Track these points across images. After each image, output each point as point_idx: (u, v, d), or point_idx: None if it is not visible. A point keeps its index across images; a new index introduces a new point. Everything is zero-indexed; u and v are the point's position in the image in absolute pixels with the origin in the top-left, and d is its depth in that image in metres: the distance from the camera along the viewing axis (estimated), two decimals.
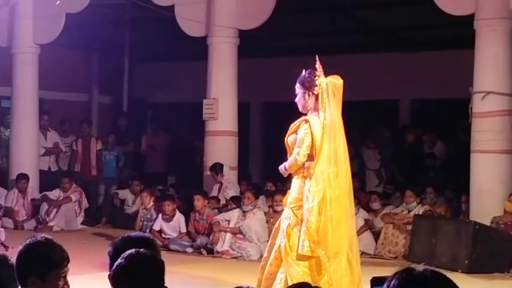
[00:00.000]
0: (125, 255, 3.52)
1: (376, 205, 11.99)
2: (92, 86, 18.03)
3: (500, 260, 9.80)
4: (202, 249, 11.20)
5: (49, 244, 3.71)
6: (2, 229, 11.18)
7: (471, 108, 10.81)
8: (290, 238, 6.85)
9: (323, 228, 6.75)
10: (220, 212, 11.62)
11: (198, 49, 13.19)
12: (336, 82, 6.96)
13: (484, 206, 10.66)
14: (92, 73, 18.04)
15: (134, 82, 17.73)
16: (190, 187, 13.76)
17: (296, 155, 6.87)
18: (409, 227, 10.94)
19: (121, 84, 17.32)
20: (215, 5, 12.57)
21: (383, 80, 15.28)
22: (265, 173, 15.74)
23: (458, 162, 12.57)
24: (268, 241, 7.70)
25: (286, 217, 6.96)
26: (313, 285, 3.30)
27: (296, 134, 6.97)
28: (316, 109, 6.94)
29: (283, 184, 11.85)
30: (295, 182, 7.01)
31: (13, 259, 3.87)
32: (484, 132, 10.66)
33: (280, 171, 7.16)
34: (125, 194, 14.09)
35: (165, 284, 3.55)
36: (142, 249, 3.57)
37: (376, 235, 11.38)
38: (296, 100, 7.08)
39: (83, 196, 13.87)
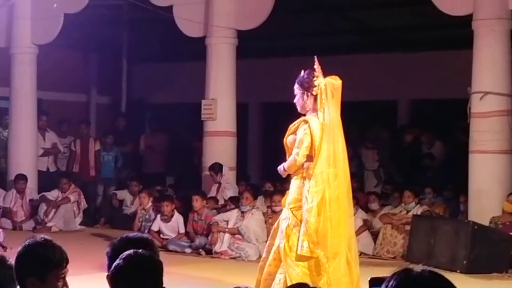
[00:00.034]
0: (124, 256, 3.51)
1: (374, 205, 11.99)
2: (90, 86, 18.03)
3: (498, 260, 9.80)
4: (200, 250, 11.20)
5: (48, 245, 3.70)
6: (0, 230, 11.16)
7: (470, 108, 10.82)
8: (290, 239, 6.85)
9: (322, 229, 6.75)
10: (218, 213, 11.62)
11: (197, 50, 13.19)
12: (334, 82, 6.96)
13: (482, 206, 10.67)
14: (90, 73, 18.03)
15: (132, 83, 17.73)
16: (188, 187, 13.75)
17: (296, 155, 6.87)
18: (408, 228, 10.94)
19: (120, 84, 17.32)
20: (213, 6, 12.57)
21: (382, 80, 15.29)
22: (263, 173, 15.74)
23: (457, 162, 12.58)
24: (266, 241, 7.69)
25: (285, 218, 6.96)
26: (311, 285, 3.30)
27: (295, 134, 6.96)
28: (315, 109, 6.94)
29: (281, 184, 11.86)
30: (294, 183, 7.00)
31: (11, 259, 3.87)
32: (483, 132, 10.67)
33: (279, 172, 7.16)
34: (123, 194, 14.09)
35: (164, 285, 3.55)
36: (140, 250, 3.57)
37: (375, 235, 11.38)
38: (295, 100, 7.08)
39: (82, 196, 13.86)
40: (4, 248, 10.35)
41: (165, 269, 3.57)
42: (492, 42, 10.66)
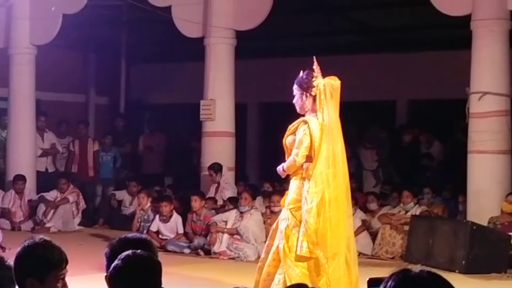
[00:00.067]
0: (122, 257, 3.51)
1: (373, 205, 12.00)
2: (89, 87, 18.02)
3: (497, 261, 9.81)
4: (199, 250, 11.20)
5: (48, 246, 3.70)
6: None
7: (468, 108, 10.82)
8: (289, 239, 6.85)
9: (322, 229, 6.76)
10: (217, 213, 11.61)
11: (195, 50, 13.19)
12: (333, 83, 6.96)
13: (481, 207, 10.67)
14: (89, 74, 18.03)
15: (131, 83, 17.73)
16: (187, 188, 13.75)
17: (295, 156, 6.86)
18: (406, 228, 10.94)
19: (118, 85, 17.32)
20: (212, 6, 12.57)
21: (380, 80, 15.29)
22: (262, 174, 15.74)
23: (455, 162, 12.58)
24: (265, 242, 7.69)
25: (284, 218, 6.95)
26: (310, 286, 3.30)
27: (294, 135, 6.96)
28: (314, 110, 6.94)
29: (280, 184, 11.87)
30: (293, 183, 7.00)
31: (9, 260, 3.86)
32: (481, 133, 10.68)
33: (278, 172, 7.16)
34: (122, 195, 14.08)
35: (162, 285, 3.55)
36: (139, 250, 3.57)
37: (374, 235, 11.38)
38: (294, 101, 7.08)
39: (81, 197, 13.86)
40: (3, 248, 10.34)
41: (163, 269, 3.57)
42: (491, 42, 10.66)
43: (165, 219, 11.78)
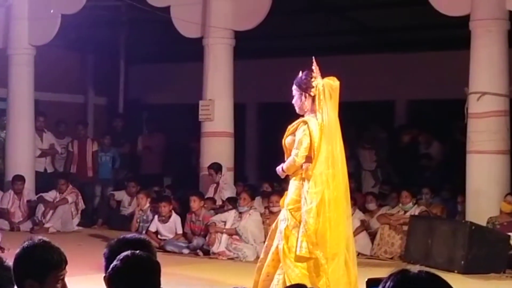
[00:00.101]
0: (121, 257, 3.51)
1: (372, 205, 12.00)
2: (87, 87, 18.02)
3: (496, 261, 9.81)
4: (198, 250, 11.20)
5: (47, 247, 3.70)
6: None
7: (467, 108, 10.83)
8: (289, 240, 6.85)
9: (321, 230, 6.76)
10: (216, 213, 11.61)
11: (194, 50, 13.19)
12: (332, 83, 6.96)
13: (480, 207, 10.68)
14: (87, 74, 18.03)
15: (130, 83, 17.72)
16: (186, 188, 13.75)
17: (295, 156, 6.86)
18: (405, 228, 10.94)
19: (117, 85, 17.31)
20: (210, 6, 12.57)
21: (379, 80, 15.29)
22: (261, 174, 15.74)
23: (454, 162, 12.58)
24: (264, 242, 7.69)
25: (283, 219, 6.95)
26: (309, 286, 3.31)
27: (294, 135, 6.96)
28: (313, 110, 6.94)
29: (279, 185, 11.87)
30: (293, 184, 7.00)
31: (8, 260, 3.86)
32: (480, 133, 10.68)
33: (278, 173, 7.15)
34: (121, 195, 14.08)
35: (161, 286, 3.55)
36: (137, 251, 3.57)
37: (372, 236, 11.38)
38: (293, 101, 7.08)
39: (79, 197, 13.86)
40: (2, 249, 10.33)
41: (162, 270, 3.57)
42: (489, 42, 10.67)
43: (164, 220, 11.78)
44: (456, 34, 12.04)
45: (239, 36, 12.72)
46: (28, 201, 13.78)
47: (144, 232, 11.54)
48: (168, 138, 16.23)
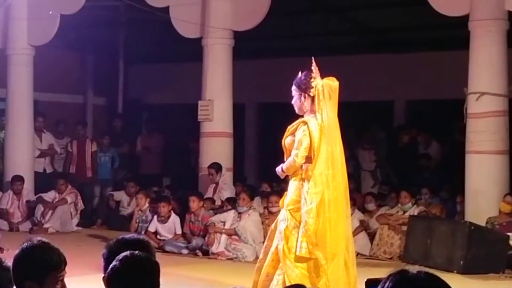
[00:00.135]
0: (120, 257, 3.51)
1: (371, 206, 12.00)
2: (87, 87, 18.01)
3: (495, 261, 9.81)
4: (197, 251, 11.20)
5: (46, 248, 3.69)
6: None
7: (466, 108, 10.83)
8: (288, 240, 6.85)
9: (321, 230, 6.76)
10: (215, 214, 11.61)
11: (193, 51, 13.19)
12: (332, 84, 6.97)
13: (479, 207, 10.68)
14: (87, 74, 18.02)
15: (129, 84, 17.72)
16: (185, 188, 13.75)
17: (295, 156, 6.86)
18: (404, 228, 10.94)
19: (116, 85, 17.31)
20: (210, 7, 12.56)
21: (378, 81, 15.29)
22: (260, 174, 15.75)
23: (453, 162, 12.58)
24: (263, 242, 7.70)
25: (283, 219, 6.95)
26: (308, 286, 3.31)
27: (294, 136, 6.96)
28: (312, 111, 6.94)
29: (278, 185, 11.87)
30: (292, 184, 7.00)
31: (7, 261, 3.86)
32: (479, 133, 10.68)
33: (277, 173, 7.15)
34: (120, 195, 14.08)
35: (160, 286, 3.55)
36: (136, 251, 3.57)
37: (372, 236, 11.38)
38: (293, 102, 7.08)
39: (79, 197, 13.85)
40: (1, 249, 10.33)
41: (161, 270, 3.57)
42: (488, 42, 10.67)
43: (163, 220, 11.78)
44: (455, 34, 12.04)
45: (238, 36, 12.72)
46: (27, 202, 13.77)
47: (143, 232, 11.54)
48: (167, 138, 16.23)
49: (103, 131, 16.44)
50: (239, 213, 11.05)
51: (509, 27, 10.82)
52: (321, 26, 14.51)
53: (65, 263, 3.71)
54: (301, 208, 6.82)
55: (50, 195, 13.62)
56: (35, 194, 13.87)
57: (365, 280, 3.05)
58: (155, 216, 11.84)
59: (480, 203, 10.69)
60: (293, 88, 7.06)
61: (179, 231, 11.70)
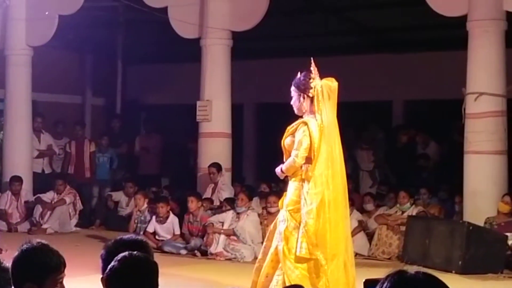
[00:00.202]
0: (118, 258, 3.51)
1: (369, 206, 12.00)
2: (85, 88, 18.00)
3: (493, 261, 9.82)
4: (196, 251, 11.20)
5: (46, 250, 3.69)
6: None
7: (464, 109, 10.83)
8: (288, 241, 6.85)
9: (321, 230, 6.76)
10: (214, 214, 11.62)
11: (192, 51, 13.19)
12: (331, 84, 6.97)
13: (477, 207, 10.68)
14: (85, 75, 18.01)
15: (127, 84, 17.72)
16: (184, 189, 13.74)
17: (295, 157, 6.86)
18: (403, 228, 10.95)
19: (115, 86, 17.31)
20: (208, 7, 12.56)
21: (377, 81, 15.29)
22: (259, 174, 15.75)
23: (452, 163, 12.59)
24: (262, 242, 7.70)
25: (283, 220, 6.94)
26: (308, 287, 3.31)
27: (293, 136, 6.95)
28: (311, 111, 6.94)
29: (277, 185, 11.86)
30: (292, 185, 6.99)
31: (5, 261, 3.86)
32: (477, 133, 10.69)
33: (277, 174, 7.14)
34: (119, 196, 14.07)
35: (159, 286, 3.55)
36: (135, 252, 3.57)
37: (370, 236, 11.39)
38: (292, 102, 7.08)
39: (77, 198, 13.84)
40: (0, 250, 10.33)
41: (160, 270, 3.57)
42: (487, 43, 10.68)
43: (162, 220, 11.78)
44: (454, 34, 12.05)
45: (236, 36, 12.72)
46: (25, 202, 13.76)
47: (142, 232, 11.55)
48: (166, 139, 16.21)
49: (101, 131, 16.43)
50: (238, 213, 11.05)
51: (507, 27, 10.83)
52: (320, 26, 14.51)
53: (65, 265, 3.71)
54: (301, 208, 6.82)
55: (48, 196, 13.61)
56: (34, 195, 13.86)
57: (364, 280, 3.05)
58: (154, 217, 11.84)
59: (479, 203, 10.69)
60: (292, 88, 7.06)
61: (177, 232, 11.70)
